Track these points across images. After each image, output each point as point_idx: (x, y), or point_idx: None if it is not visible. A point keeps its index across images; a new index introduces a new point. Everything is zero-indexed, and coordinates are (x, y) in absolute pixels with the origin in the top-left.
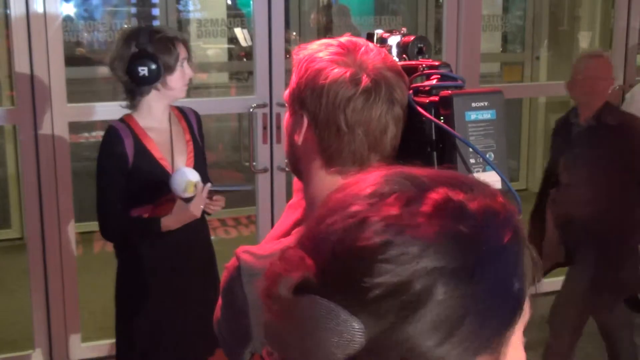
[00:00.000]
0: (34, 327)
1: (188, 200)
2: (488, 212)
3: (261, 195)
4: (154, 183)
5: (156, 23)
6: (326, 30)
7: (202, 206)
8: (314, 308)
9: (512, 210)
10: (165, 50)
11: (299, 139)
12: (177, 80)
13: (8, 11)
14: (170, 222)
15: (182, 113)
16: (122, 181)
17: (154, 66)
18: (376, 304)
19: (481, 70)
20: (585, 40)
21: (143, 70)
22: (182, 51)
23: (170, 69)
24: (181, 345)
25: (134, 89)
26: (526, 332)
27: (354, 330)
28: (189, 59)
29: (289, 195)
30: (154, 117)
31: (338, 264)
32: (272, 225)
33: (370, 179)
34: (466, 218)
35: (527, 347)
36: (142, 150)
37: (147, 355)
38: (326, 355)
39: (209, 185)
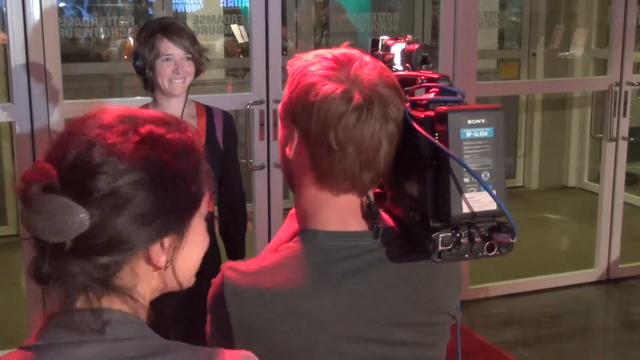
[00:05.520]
0: (30, 324)
1: None
2: (179, 142)
3: (258, 192)
4: None
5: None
6: (323, 27)
7: None
8: (54, 202)
9: (195, 139)
10: (144, 46)
11: (291, 153)
12: (156, 77)
13: (4, 7)
14: None
15: (208, 112)
16: None
17: (137, 62)
18: (98, 201)
19: (478, 67)
20: (582, 38)
21: (135, 67)
22: (163, 47)
23: (151, 66)
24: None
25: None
26: (525, 331)
27: (82, 217)
28: (190, 54)
29: (285, 192)
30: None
31: (74, 173)
32: (269, 222)
33: (105, 115)
34: (163, 145)
35: (526, 345)
36: None
37: None
38: (60, 231)
39: None
